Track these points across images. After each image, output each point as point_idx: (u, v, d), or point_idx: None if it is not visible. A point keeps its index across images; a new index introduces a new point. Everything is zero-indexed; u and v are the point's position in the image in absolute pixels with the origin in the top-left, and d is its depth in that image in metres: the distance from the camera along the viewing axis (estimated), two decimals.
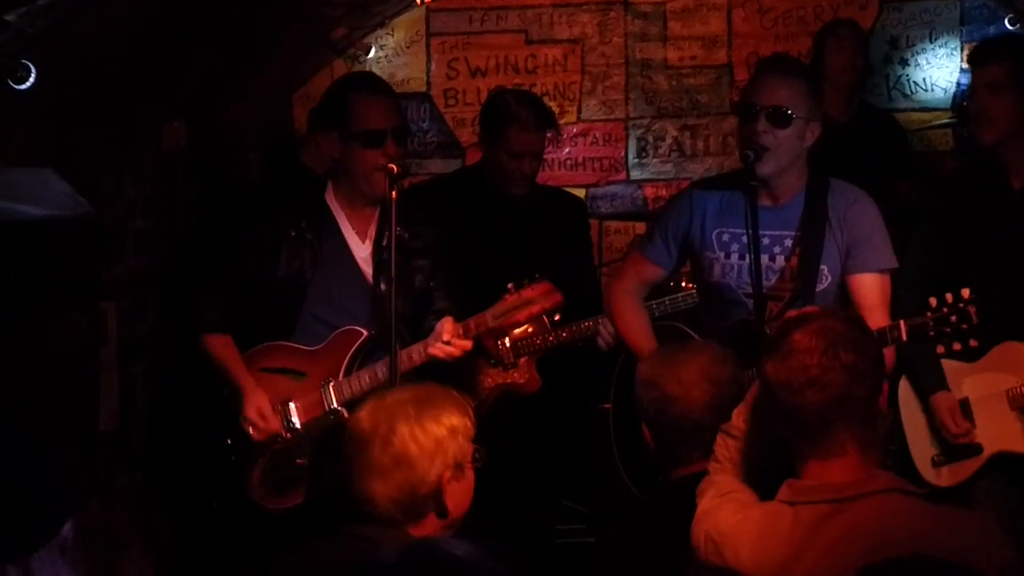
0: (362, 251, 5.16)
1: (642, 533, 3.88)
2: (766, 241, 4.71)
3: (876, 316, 4.55)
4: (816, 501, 3.16)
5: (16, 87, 4.12)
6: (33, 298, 4.53)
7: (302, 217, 5.12)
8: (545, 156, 6.31)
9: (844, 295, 4.80)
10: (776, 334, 3.33)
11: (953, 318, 4.30)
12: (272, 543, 4.96)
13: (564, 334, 5.83)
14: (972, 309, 4.29)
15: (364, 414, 3.37)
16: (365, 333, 5.05)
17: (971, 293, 4.31)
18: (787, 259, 4.75)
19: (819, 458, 3.20)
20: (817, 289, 4.71)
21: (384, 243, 5.04)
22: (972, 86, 5.35)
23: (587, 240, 6.61)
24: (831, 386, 3.16)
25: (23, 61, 4.08)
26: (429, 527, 3.29)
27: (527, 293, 4.92)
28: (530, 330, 5.83)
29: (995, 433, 5.21)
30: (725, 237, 4.81)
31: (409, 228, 5.03)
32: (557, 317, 5.15)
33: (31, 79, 4.10)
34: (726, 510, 3.33)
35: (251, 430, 5.05)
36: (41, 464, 2.47)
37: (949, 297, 4.34)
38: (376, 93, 5.14)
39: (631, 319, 5.08)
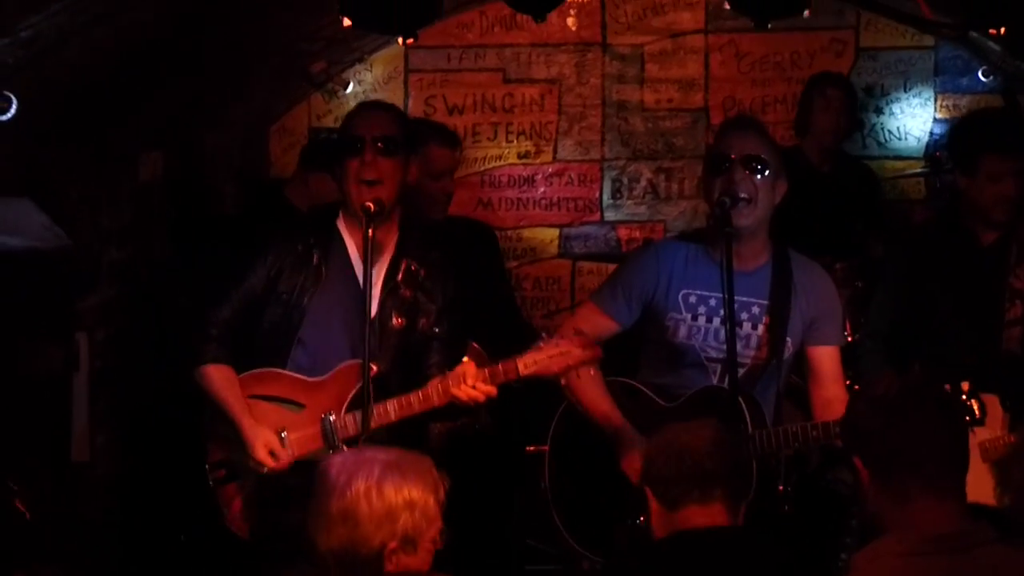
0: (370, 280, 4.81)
1: None
2: (734, 306, 4.67)
3: (838, 387, 4.74)
4: (933, 552, 3.15)
5: None
6: (9, 328, 4.53)
7: (311, 235, 4.93)
8: (519, 195, 6.28)
9: (797, 364, 4.83)
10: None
11: None
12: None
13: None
14: (974, 404, 4.34)
15: (336, 459, 3.37)
16: (374, 369, 4.69)
17: (970, 386, 4.34)
18: (754, 326, 4.75)
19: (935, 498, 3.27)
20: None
21: (400, 278, 4.86)
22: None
23: (501, 269, 6.45)
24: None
25: (5, 92, 4.10)
26: None
27: (564, 344, 4.61)
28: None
29: (968, 485, 5.23)
30: (692, 299, 4.78)
31: (425, 267, 4.88)
32: (592, 372, 4.86)
33: (12, 110, 4.12)
34: None
35: (264, 470, 4.75)
36: None
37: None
38: (365, 106, 5.05)
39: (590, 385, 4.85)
